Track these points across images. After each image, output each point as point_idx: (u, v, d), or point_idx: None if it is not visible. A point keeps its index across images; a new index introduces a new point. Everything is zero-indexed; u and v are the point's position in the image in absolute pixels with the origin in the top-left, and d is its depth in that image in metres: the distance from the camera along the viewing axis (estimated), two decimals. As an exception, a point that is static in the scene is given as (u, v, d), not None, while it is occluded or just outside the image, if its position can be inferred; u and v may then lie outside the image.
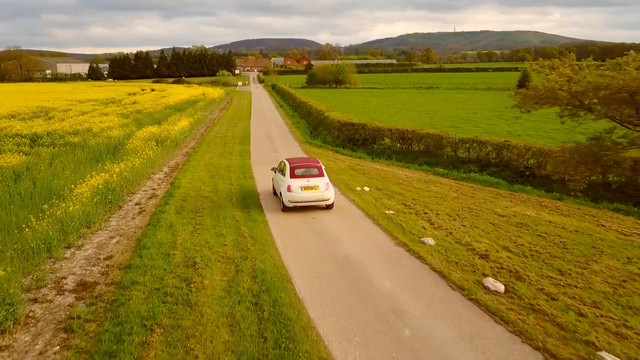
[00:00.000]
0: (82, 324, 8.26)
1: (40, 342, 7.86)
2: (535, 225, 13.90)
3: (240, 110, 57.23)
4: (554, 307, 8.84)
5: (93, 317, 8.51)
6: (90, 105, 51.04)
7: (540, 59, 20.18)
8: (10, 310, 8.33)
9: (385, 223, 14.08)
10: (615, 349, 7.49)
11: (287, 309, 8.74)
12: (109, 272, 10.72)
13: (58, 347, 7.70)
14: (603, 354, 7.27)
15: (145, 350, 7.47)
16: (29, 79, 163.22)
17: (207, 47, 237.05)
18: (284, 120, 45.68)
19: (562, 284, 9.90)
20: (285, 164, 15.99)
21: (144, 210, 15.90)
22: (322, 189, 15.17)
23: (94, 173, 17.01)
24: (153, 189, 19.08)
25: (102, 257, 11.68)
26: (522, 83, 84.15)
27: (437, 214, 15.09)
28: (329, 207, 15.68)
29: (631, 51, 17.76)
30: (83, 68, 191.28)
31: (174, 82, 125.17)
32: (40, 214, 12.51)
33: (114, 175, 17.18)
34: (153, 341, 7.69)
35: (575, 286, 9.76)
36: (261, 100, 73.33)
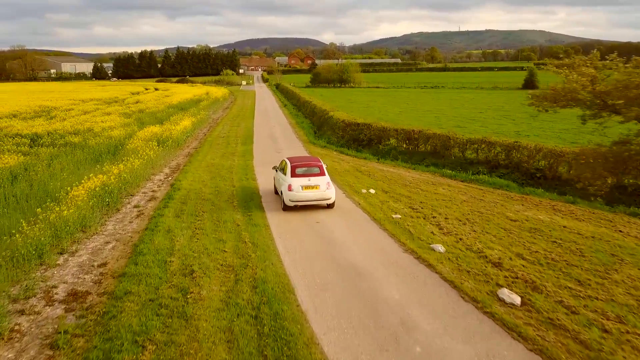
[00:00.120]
0: (70, 340, 7.72)
1: None
2: (550, 231, 13.28)
3: (244, 109, 56.72)
4: (575, 321, 8.24)
5: (82, 332, 7.97)
6: (93, 104, 50.66)
7: (565, 59, 19.35)
8: (-6, 324, 7.82)
9: (392, 228, 13.49)
10: (645, 370, 6.91)
11: (289, 323, 8.18)
12: (102, 280, 10.19)
13: (43, 364, 7.18)
14: (632, 376, 6.69)
15: (135, 369, 6.94)
16: (33, 79, 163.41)
17: (211, 46, 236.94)
18: (288, 119, 45.13)
19: (582, 295, 9.29)
20: (286, 163, 15.88)
21: (142, 214, 15.37)
22: (323, 188, 15.04)
23: (91, 175, 16.53)
24: (153, 191, 18.56)
25: (96, 264, 11.16)
26: (529, 82, 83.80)
27: (446, 218, 14.49)
28: (329, 206, 15.54)
29: None
30: (87, 67, 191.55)
31: (178, 82, 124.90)
32: (32, 218, 12.02)
33: (112, 177, 16.66)
34: None
35: (597, 298, 9.15)
36: (265, 99, 72.80)
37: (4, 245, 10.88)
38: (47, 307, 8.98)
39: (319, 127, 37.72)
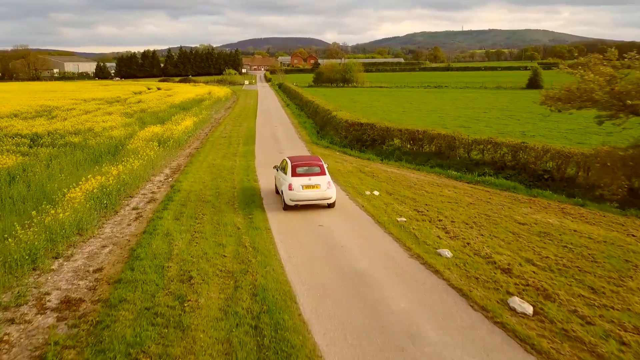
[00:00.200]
0: (60, 352, 7.35)
1: (12, 372, 6.99)
2: (560, 235, 12.87)
3: (246, 109, 56.38)
4: (592, 333, 7.84)
5: (73, 343, 7.60)
6: (94, 104, 50.41)
7: (580, 58, 18.78)
8: (-18, 334, 7.47)
9: (397, 231, 13.10)
10: (667, 387, 6.51)
11: (290, 334, 7.80)
12: (97, 287, 9.83)
13: (31, 378, 6.82)
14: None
15: (128, 384, 6.58)
16: (36, 78, 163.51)
17: (214, 46, 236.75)
18: (290, 119, 44.76)
19: (596, 304, 8.88)
20: (287, 162, 15.85)
21: (141, 216, 15.02)
22: (324, 187, 14.97)
23: (90, 176, 16.21)
24: (152, 192, 18.21)
25: (91, 269, 10.80)
26: (533, 82, 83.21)
27: (452, 222, 14.09)
28: (330, 205, 15.47)
29: None
30: (90, 67, 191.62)
31: (180, 81, 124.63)
32: (27, 222, 11.68)
33: (111, 179, 16.31)
34: (138, 373, 6.79)
35: (612, 307, 8.74)
36: (267, 99, 72.44)
37: (-3, 250, 10.54)
38: (39, 315, 8.63)
39: (321, 127, 37.34)
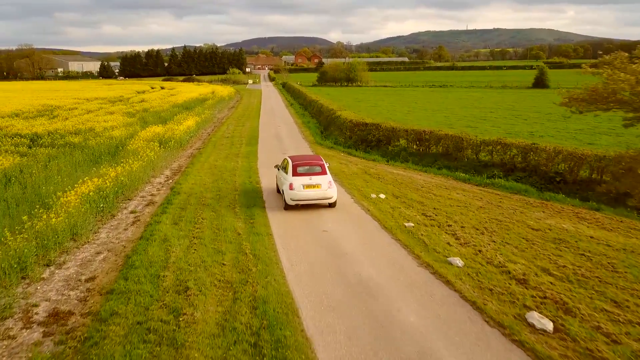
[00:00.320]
0: (43, 373, 6.83)
1: (-9, 395, 6.46)
2: (576, 242, 12.25)
3: (250, 108, 55.84)
4: (619, 353, 7.24)
5: (58, 363, 7.07)
6: (97, 103, 49.99)
7: (612, 54, 17.95)
8: (-40, 352, 6.95)
9: (405, 238, 12.51)
10: None
11: (292, 353, 7.23)
12: (88, 298, 9.28)
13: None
14: None
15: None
16: (40, 77, 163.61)
17: (218, 45, 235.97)
18: (294, 119, 44.17)
19: (621, 319, 8.27)
20: (288, 162, 15.81)
21: (139, 220, 14.49)
22: (325, 187, 14.90)
23: (86, 178, 15.69)
24: (152, 195, 17.68)
25: (83, 277, 10.27)
26: (539, 81, 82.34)
27: (462, 227, 13.49)
28: (331, 205, 15.41)
29: None
30: (95, 66, 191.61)
31: (184, 80, 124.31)
32: (18, 227, 11.16)
33: (108, 181, 15.78)
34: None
35: (638, 323, 8.13)
36: (271, 98, 71.88)
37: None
38: (24, 330, 8.09)
39: (325, 127, 36.75)
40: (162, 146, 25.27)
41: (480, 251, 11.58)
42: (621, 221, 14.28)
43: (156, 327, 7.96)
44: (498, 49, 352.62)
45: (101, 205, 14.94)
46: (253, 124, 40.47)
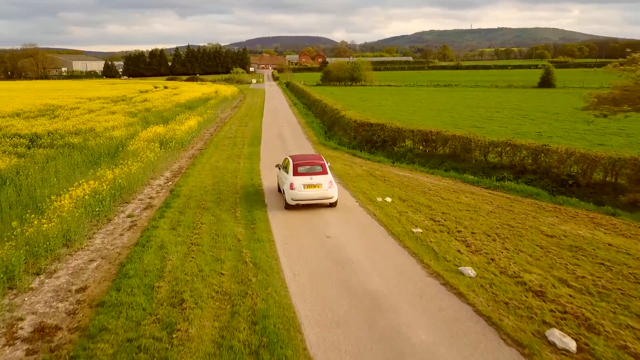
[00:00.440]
0: (22, 398, 6.29)
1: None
2: (593, 250, 11.63)
3: (253, 108, 55.31)
4: (650, 378, 6.63)
5: (39, 386, 6.53)
6: (99, 103, 49.53)
7: (632, 54, 17.19)
8: None
9: (413, 245, 11.92)
10: None
11: (293, 376, 6.66)
12: (78, 310, 8.74)
13: None
14: None
15: None
16: (44, 77, 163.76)
17: (222, 44, 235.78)
18: (298, 119, 43.60)
19: (649, 338, 7.66)
20: (288, 161, 15.74)
21: (135, 225, 13.95)
22: (325, 187, 14.80)
23: (82, 180, 15.16)
24: (150, 198, 17.15)
25: (74, 287, 9.73)
26: (545, 81, 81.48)
27: (472, 233, 12.88)
28: (332, 205, 15.31)
29: None
30: (99, 66, 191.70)
31: (187, 80, 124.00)
32: (7, 233, 10.64)
33: (105, 184, 15.25)
34: None
35: (668, 343, 7.52)
36: (274, 98, 71.34)
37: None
38: (7, 347, 7.55)
39: (329, 127, 36.16)
40: (162, 147, 24.77)
41: (492, 260, 10.98)
42: (639, 227, 13.64)
43: (147, 345, 7.40)
44: (503, 49, 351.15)
45: (97, 209, 14.42)
46: (256, 123, 39.93)
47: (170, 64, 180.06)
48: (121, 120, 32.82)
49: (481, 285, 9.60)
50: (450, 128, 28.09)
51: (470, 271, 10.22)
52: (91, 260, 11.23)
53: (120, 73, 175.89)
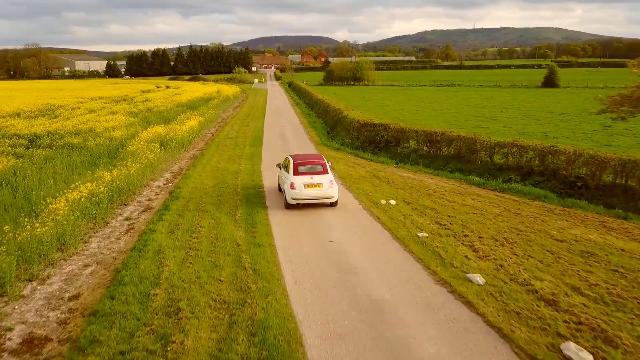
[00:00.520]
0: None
1: None
2: (606, 255, 11.21)
3: (255, 108, 54.96)
4: (674, 397, 6.22)
5: (24, 404, 6.16)
6: (100, 102, 49.23)
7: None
8: None
9: (418, 250, 11.52)
10: None
11: (294, 394, 6.28)
12: (70, 320, 8.37)
13: None
14: None
15: None
16: (47, 77, 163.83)
17: (225, 44, 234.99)
18: (300, 119, 43.22)
19: (670, 351, 7.26)
20: (289, 160, 15.74)
21: (133, 228, 13.58)
22: (326, 186, 14.78)
23: (79, 183, 14.81)
24: (149, 200, 16.79)
25: (67, 295, 9.36)
26: (549, 80, 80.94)
27: (479, 237, 12.48)
28: (332, 204, 15.27)
29: None
30: (101, 65, 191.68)
31: (190, 80, 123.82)
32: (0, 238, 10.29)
33: (102, 186, 14.88)
34: None
35: (691, 357, 7.11)
36: (277, 98, 70.98)
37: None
38: (-7, 360, 7.20)
39: (332, 127, 35.77)
40: (163, 147, 24.42)
41: (501, 266, 10.57)
42: (653, 231, 13.20)
43: (140, 358, 7.02)
44: (506, 48, 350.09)
45: (94, 211, 14.06)
46: (258, 124, 39.56)
47: (172, 63, 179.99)
48: (122, 120, 32.48)
49: (490, 294, 9.20)
50: (454, 128, 27.67)
51: (478, 278, 9.81)
52: (86, 266, 10.86)
53: (123, 73, 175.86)
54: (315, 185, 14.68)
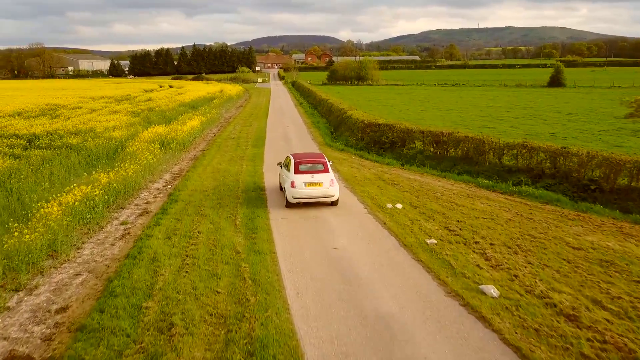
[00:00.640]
0: None
1: None
2: (627, 265, 10.57)
3: (258, 108, 54.42)
4: None
5: None
6: (102, 102, 48.78)
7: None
8: None
9: (427, 258, 10.92)
10: None
11: None
12: (55, 336, 7.81)
13: None
14: None
15: None
16: (51, 76, 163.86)
17: (228, 44, 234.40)
18: (303, 119, 42.64)
19: None
20: (290, 159, 15.75)
21: (129, 233, 13.03)
22: (327, 185, 14.71)
23: (74, 185, 14.29)
24: (147, 203, 16.25)
25: (55, 307, 8.81)
26: (555, 80, 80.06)
27: (491, 244, 11.87)
28: (333, 204, 15.20)
29: None
30: (105, 65, 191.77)
31: (193, 79, 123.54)
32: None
33: (97, 190, 14.34)
34: None
35: None
36: (280, 97, 70.44)
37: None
38: (-31, 382, 6.65)
39: (336, 127, 35.17)
40: (163, 148, 23.87)
41: (516, 276, 9.96)
42: (674, 238, 12.55)
43: (128, 382, 6.46)
44: (510, 47, 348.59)
45: (88, 216, 13.52)
46: (260, 124, 39.01)
47: (176, 63, 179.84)
48: (123, 120, 31.98)
49: (506, 308, 8.58)
50: (460, 128, 27.07)
51: (492, 290, 9.20)
52: (77, 275, 10.31)
53: (127, 72, 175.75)
54: (315, 184, 14.61)
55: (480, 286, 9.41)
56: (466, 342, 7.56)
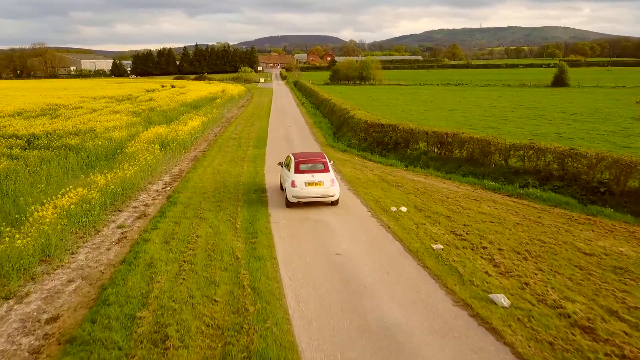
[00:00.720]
0: None
1: None
2: (642, 272, 10.14)
3: (260, 108, 54.05)
4: None
5: None
6: (103, 102, 48.49)
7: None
8: None
9: (434, 265, 10.51)
10: None
11: None
12: (43, 349, 7.43)
13: None
14: None
15: None
16: (53, 76, 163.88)
17: (231, 43, 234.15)
18: (305, 119, 42.24)
19: None
20: (290, 159, 15.78)
21: (125, 237, 12.65)
22: (327, 185, 14.68)
23: (70, 187, 13.92)
24: (145, 205, 15.88)
25: (45, 317, 8.43)
26: (558, 80, 79.50)
27: (499, 250, 11.46)
28: (333, 203, 15.15)
29: None
30: (107, 65, 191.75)
31: (195, 79, 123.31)
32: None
33: (94, 192, 13.96)
34: None
35: None
36: (282, 97, 70.06)
37: None
38: (-50, 399, 6.28)
39: (338, 127, 34.76)
40: (163, 149, 23.50)
41: (527, 284, 9.54)
42: (689, 244, 12.11)
43: (118, 400, 6.08)
44: (513, 47, 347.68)
45: (84, 219, 13.15)
46: (262, 124, 38.63)
47: (178, 63, 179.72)
48: (123, 120, 31.64)
49: (518, 319, 8.17)
50: (464, 129, 26.62)
51: (503, 299, 8.79)
52: (70, 281, 9.93)
53: (129, 72, 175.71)
54: (316, 184, 14.58)
55: (490, 295, 9.00)
56: (477, 356, 7.15)
